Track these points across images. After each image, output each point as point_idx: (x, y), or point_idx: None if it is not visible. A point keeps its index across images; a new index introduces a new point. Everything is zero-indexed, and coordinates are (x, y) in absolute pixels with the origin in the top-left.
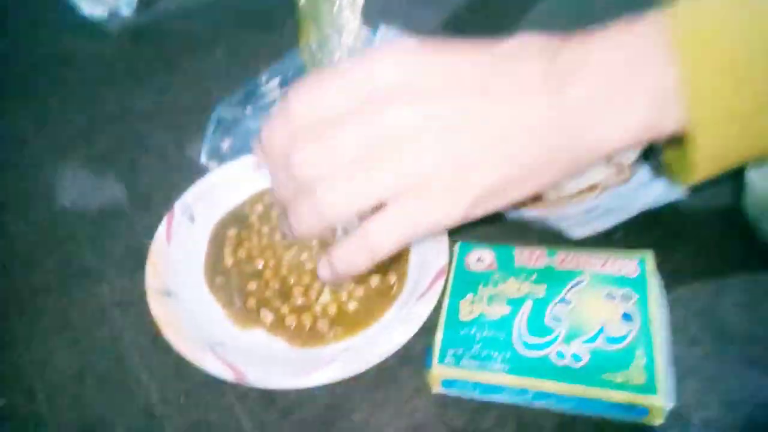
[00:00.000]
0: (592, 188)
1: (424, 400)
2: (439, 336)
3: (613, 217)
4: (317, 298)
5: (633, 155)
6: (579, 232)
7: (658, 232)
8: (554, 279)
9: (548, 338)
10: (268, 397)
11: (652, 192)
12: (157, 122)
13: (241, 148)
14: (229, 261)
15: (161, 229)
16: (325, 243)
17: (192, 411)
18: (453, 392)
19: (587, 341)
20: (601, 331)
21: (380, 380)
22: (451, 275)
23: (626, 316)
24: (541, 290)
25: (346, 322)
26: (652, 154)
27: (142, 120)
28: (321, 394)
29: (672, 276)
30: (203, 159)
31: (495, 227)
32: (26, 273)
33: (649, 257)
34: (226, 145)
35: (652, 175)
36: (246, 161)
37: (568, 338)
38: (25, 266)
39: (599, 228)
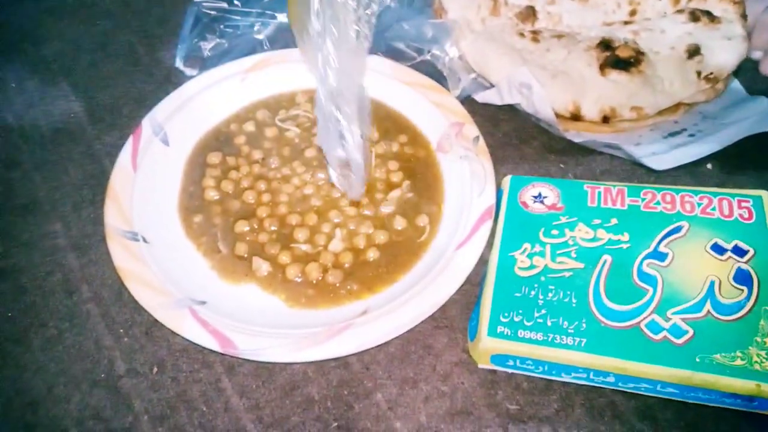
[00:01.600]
0: (675, 107)
1: (467, 378)
2: (487, 297)
3: (700, 146)
4: (326, 244)
5: (730, 63)
6: (659, 162)
7: (759, 165)
8: (641, 225)
9: (637, 304)
10: (264, 370)
11: (749, 114)
12: (122, 17)
13: (227, 51)
14: (210, 195)
15: (125, 153)
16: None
17: (167, 385)
18: (504, 368)
19: (690, 310)
20: (708, 295)
21: (409, 352)
22: (502, 217)
23: (741, 275)
24: (624, 239)
25: (365, 276)
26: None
27: (104, 15)
28: (333, 368)
29: None
30: (179, 64)
31: (554, 155)
32: None
33: (766, 197)
34: (207, 46)
35: (747, 94)
36: (233, 67)
37: (665, 305)
38: None
39: (684, 158)
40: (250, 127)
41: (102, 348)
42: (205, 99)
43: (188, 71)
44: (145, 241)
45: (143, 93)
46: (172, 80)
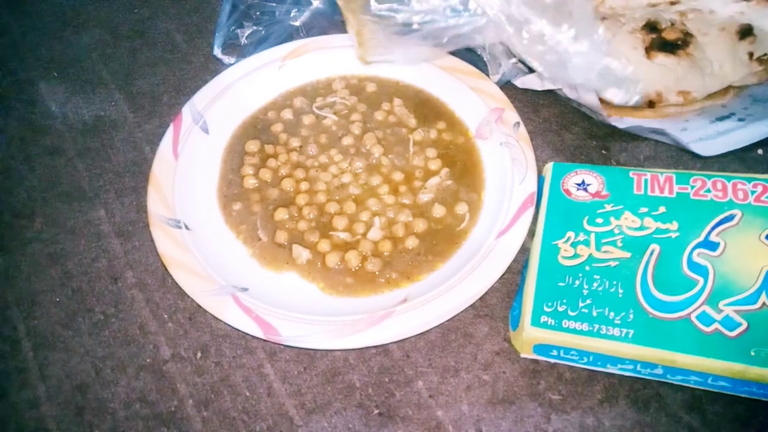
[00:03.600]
0: (724, 91)
1: (509, 367)
2: (530, 287)
3: (750, 131)
4: (365, 233)
5: None
6: (707, 148)
7: None
8: (691, 213)
9: (687, 295)
10: (306, 356)
11: None
12: (159, 5)
13: (264, 38)
14: (249, 183)
15: (166, 141)
16: (371, 165)
17: (211, 370)
18: (547, 358)
19: (744, 301)
20: (764, 287)
21: (450, 340)
22: (544, 205)
23: None
24: (672, 228)
25: (404, 265)
26: None
27: (141, 2)
28: (374, 356)
29: None
30: (216, 51)
31: (597, 142)
32: (4, 194)
33: None
34: (244, 33)
35: None
36: (271, 54)
37: (716, 297)
38: (1, 185)
39: (733, 144)
40: (287, 114)
41: (147, 333)
42: (243, 87)
43: (226, 59)
44: (187, 228)
45: (182, 80)
46: (210, 68)
